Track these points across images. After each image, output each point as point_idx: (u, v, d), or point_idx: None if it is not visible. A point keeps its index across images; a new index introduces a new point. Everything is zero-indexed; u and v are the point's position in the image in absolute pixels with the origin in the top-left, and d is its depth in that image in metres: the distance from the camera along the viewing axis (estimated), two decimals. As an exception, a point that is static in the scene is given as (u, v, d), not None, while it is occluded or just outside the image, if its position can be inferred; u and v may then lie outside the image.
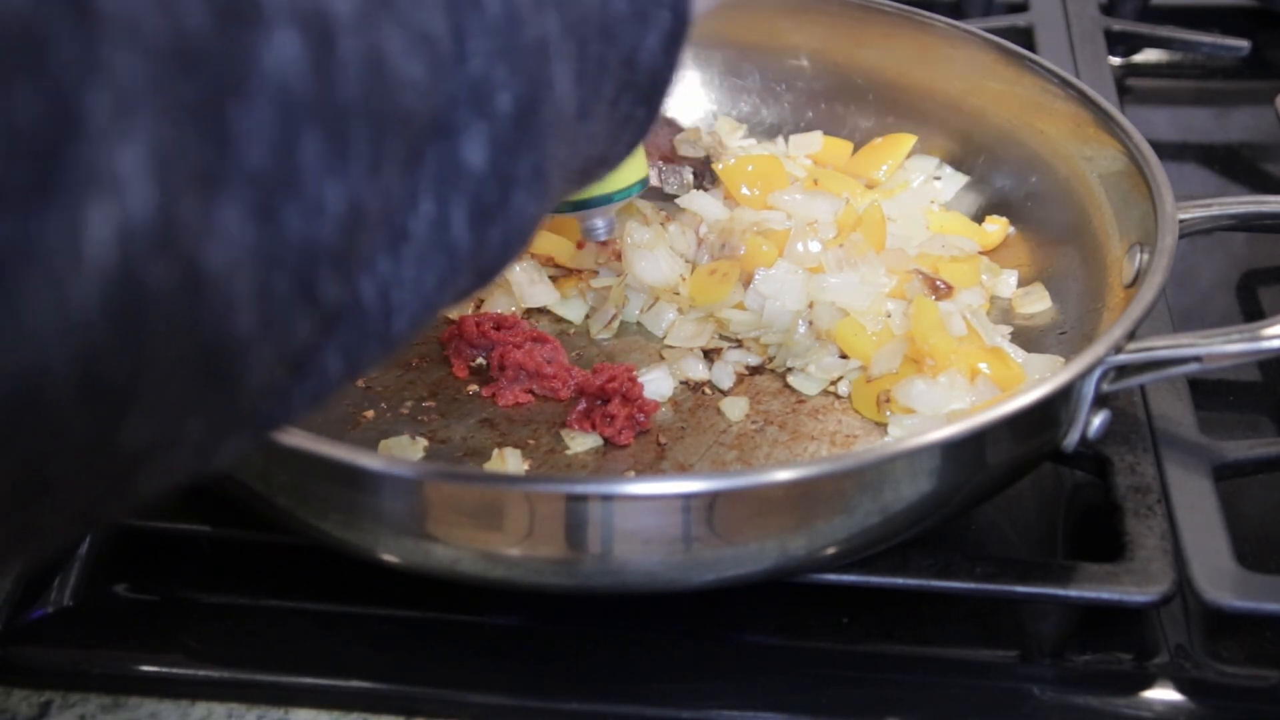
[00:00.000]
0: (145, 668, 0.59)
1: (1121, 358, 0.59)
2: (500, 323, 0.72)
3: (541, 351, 0.70)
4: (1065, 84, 0.76)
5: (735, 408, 0.69)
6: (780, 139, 0.87)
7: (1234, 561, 0.58)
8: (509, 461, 0.65)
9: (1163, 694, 0.57)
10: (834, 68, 0.87)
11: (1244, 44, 1.01)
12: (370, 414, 0.68)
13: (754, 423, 0.68)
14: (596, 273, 0.76)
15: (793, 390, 0.70)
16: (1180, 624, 0.60)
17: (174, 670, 0.59)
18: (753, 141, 0.87)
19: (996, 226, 0.79)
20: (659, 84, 0.45)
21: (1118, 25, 1.03)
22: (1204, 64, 1.06)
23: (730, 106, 0.89)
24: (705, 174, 0.79)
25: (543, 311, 0.76)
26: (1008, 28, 1.00)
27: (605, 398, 0.67)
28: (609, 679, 0.58)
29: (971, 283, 0.74)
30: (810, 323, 0.72)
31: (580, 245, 0.76)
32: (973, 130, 0.82)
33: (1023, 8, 1.05)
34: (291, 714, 0.57)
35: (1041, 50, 0.97)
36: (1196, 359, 0.60)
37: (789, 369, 0.71)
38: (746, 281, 0.74)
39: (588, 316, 0.76)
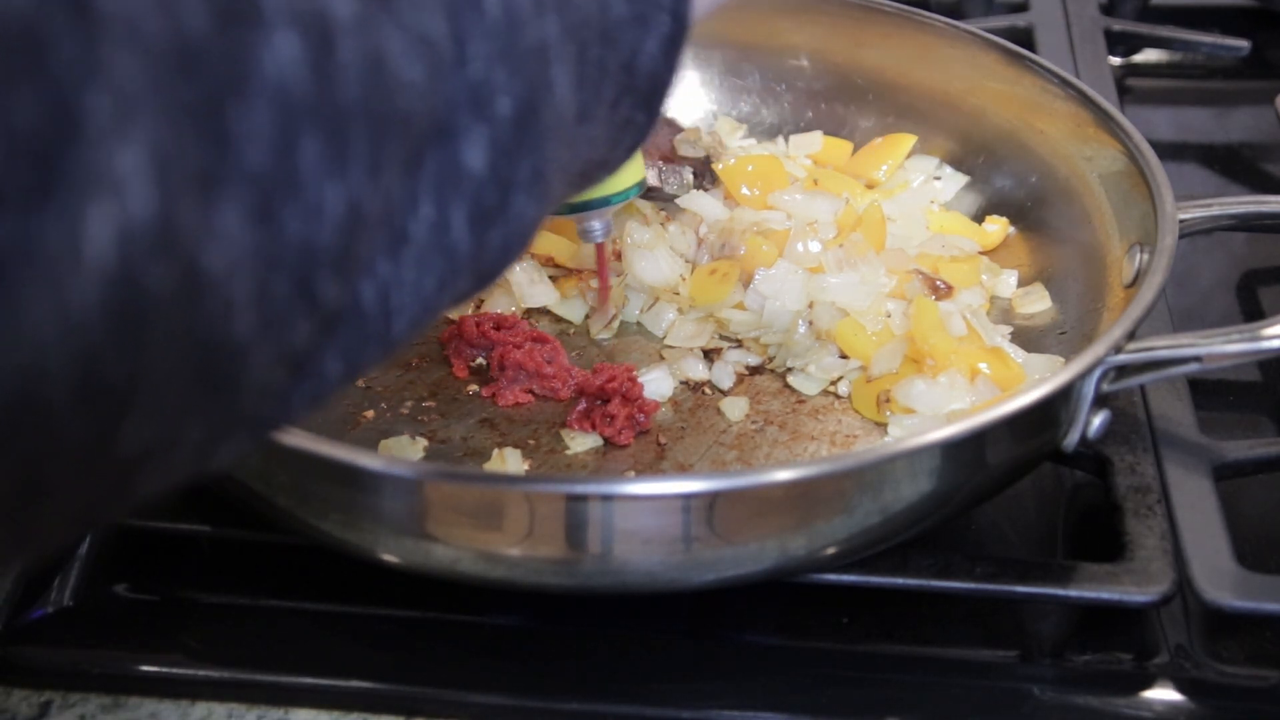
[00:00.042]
0: (145, 668, 0.59)
1: (1121, 358, 0.59)
2: (500, 323, 0.72)
3: (541, 351, 0.70)
4: (1065, 84, 0.76)
5: (735, 408, 0.69)
6: (780, 139, 0.87)
7: (1234, 561, 0.58)
8: (509, 461, 0.65)
9: (1163, 694, 0.57)
10: (834, 68, 0.87)
11: (1244, 44, 1.01)
12: (370, 414, 0.68)
13: (754, 423, 0.68)
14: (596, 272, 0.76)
15: (793, 390, 0.70)
16: (1180, 624, 0.60)
17: (174, 670, 0.59)
18: (753, 141, 0.87)
19: (996, 226, 0.79)
20: (659, 87, 0.45)
21: (1118, 25, 1.03)
22: (1204, 64, 1.06)
23: (730, 106, 0.89)
24: (705, 174, 0.79)
25: (543, 311, 0.76)
26: (1008, 28, 1.00)
27: (605, 398, 0.67)
28: (609, 679, 0.58)
29: (971, 283, 0.74)
30: (810, 323, 0.72)
31: None
32: (973, 130, 0.82)
33: (1023, 8, 1.05)
34: (291, 714, 0.57)
35: (1041, 50, 0.97)
36: (1196, 359, 0.60)
37: (789, 369, 0.71)
38: (746, 281, 0.74)
39: (588, 316, 0.76)
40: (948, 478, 0.57)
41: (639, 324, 0.75)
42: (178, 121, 0.27)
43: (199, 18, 0.28)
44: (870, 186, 0.82)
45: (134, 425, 0.29)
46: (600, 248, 0.66)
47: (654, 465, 0.66)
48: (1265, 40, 1.05)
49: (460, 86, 0.36)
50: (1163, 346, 0.60)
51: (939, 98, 0.84)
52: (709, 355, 0.73)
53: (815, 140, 0.85)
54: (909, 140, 0.84)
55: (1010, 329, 0.73)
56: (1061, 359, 0.68)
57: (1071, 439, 0.61)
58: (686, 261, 0.76)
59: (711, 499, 0.53)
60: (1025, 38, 0.99)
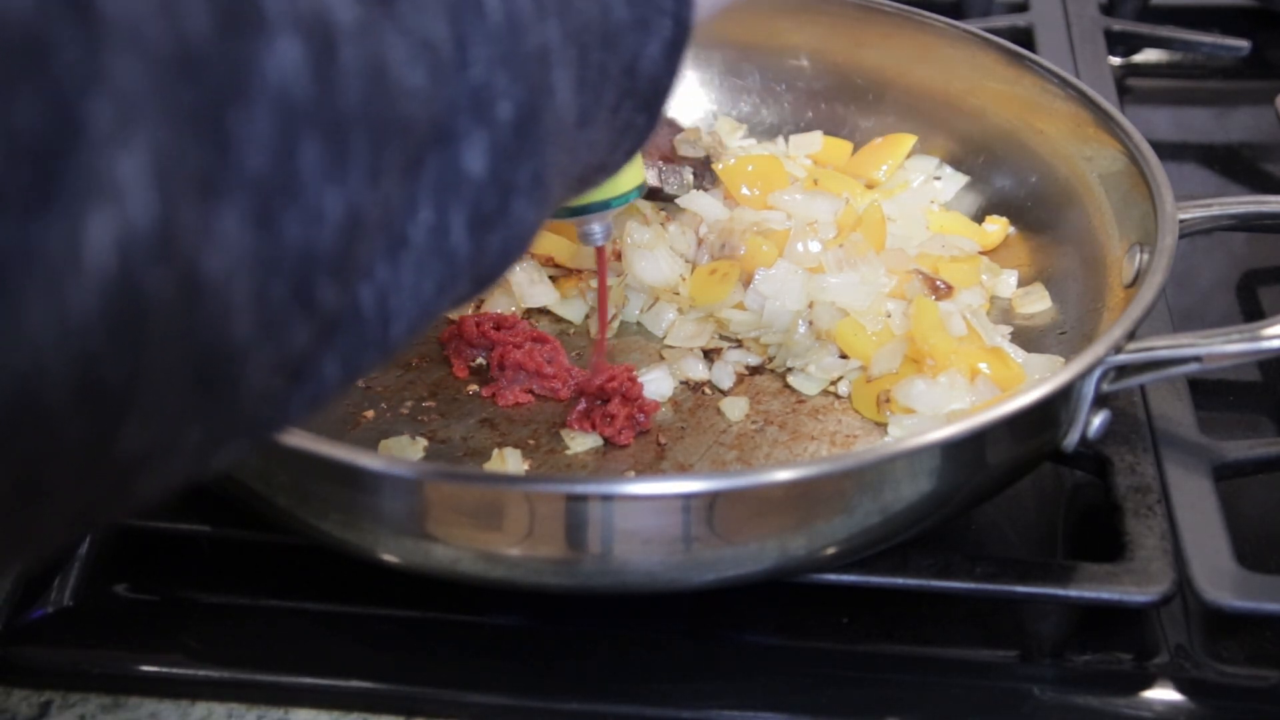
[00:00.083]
0: (145, 668, 0.59)
1: (1121, 358, 0.59)
2: (500, 323, 0.72)
3: (541, 351, 0.70)
4: (1065, 84, 0.76)
5: (735, 408, 0.69)
6: (780, 139, 0.87)
7: (1234, 561, 0.58)
8: (509, 461, 0.65)
9: (1163, 694, 0.57)
10: (834, 68, 0.87)
11: (1244, 44, 1.01)
12: (370, 414, 0.68)
13: (754, 423, 0.68)
14: (596, 272, 0.76)
15: (793, 390, 0.70)
16: (1180, 624, 0.60)
17: (174, 670, 0.59)
18: (753, 141, 0.87)
19: (996, 226, 0.79)
20: (660, 91, 0.45)
21: (1118, 25, 1.03)
22: (1204, 64, 1.06)
23: (730, 106, 0.89)
24: (705, 174, 0.79)
25: (543, 311, 0.76)
26: (1008, 28, 1.00)
27: (605, 398, 0.67)
28: (609, 679, 0.58)
29: (971, 283, 0.74)
30: (810, 323, 0.72)
31: None
32: (973, 130, 0.82)
33: (1023, 8, 1.05)
34: (291, 714, 0.57)
35: (1041, 50, 0.97)
36: (1196, 359, 0.60)
37: (789, 369, 0.71)
38: (746, 281, 0.74)
39: (588, 316, 0.76)
40: (948, 478, 0.57)
41: (639, 324, 0.75)
42: (179, 126, 0.27)
43: (201, 23, 0.28)
44: (870, 186, 0.82)
45: (133, 427, 0.29)
46: (600, 251, 0.66)
47: (654, 465, 0.66)
48: (1265, 40, 1.05)
49: (461, 91, 0.36)
50: (1163, 346, 0.60)
51: (939, 98, 0.84)
52: (709, 355, 0.73)
53: (815, 140, 0.85)
54: (909, 140, 0.84)
55: (1010, 329, 0.73)
56: (1061, 359, 0.68)
57: (1071, 439, 0.61)
58: (686, 261, 0.76)
59: (711, 499, 0.53)
60: (1025, 38, 0.99)
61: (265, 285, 0.30)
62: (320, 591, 0.62)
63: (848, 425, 0.68)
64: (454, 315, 0.73)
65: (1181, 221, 0.66)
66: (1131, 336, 0.60)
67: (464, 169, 0.37)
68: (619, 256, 0.75)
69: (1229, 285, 0.84)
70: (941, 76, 0.83)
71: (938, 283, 0.72)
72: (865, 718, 0.57)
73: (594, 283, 0.76)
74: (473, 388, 0.70)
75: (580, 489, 0.54)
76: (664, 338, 0.74)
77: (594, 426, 0.67)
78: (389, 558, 0.57)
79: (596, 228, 0.63)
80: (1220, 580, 0.57)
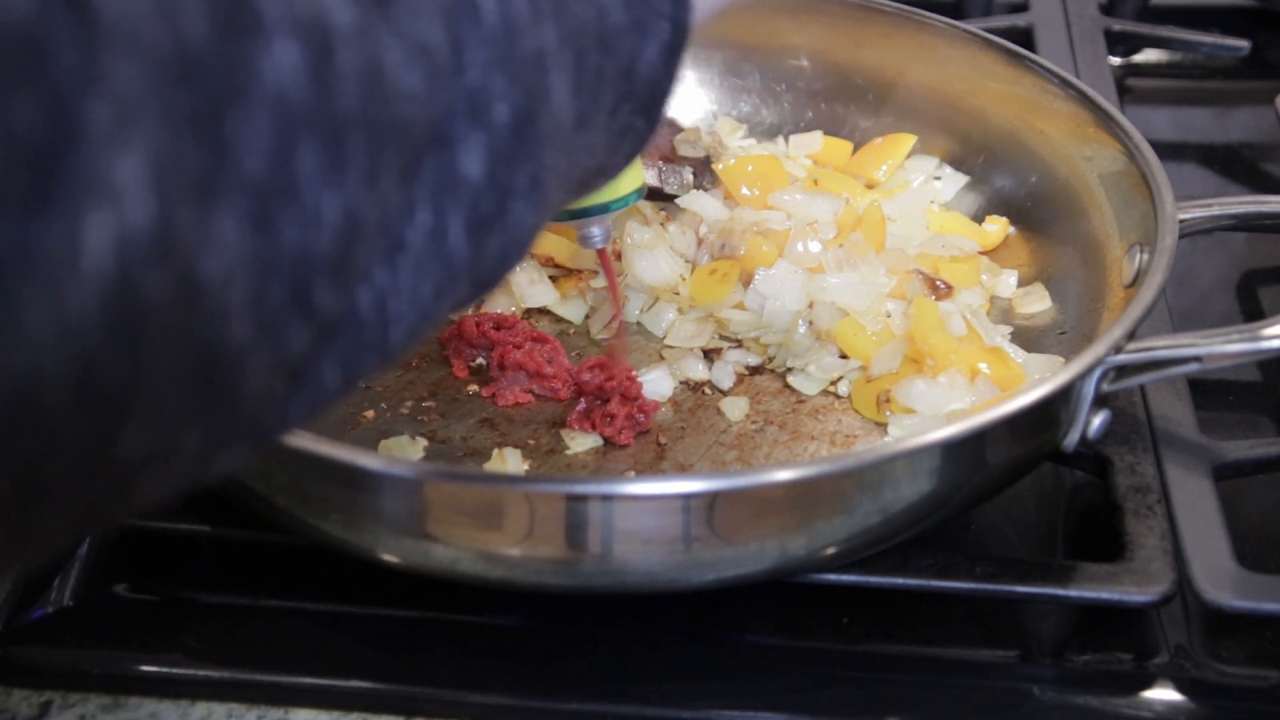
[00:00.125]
0: (145, 668, 0.59)
1: (1121, 358, 0.59)
2: (500, 323, 0.72)
3: (541, 351, 0.70)
4: (1065, 84, 0.76)
5: (735, 408, 0.69)
6: (780, 139, 0.87)
7: (1234, 561, 0.58)
8: (509, 461, 0.65)
9: (1163, 694, 0.57)
10: (834, 68, 0.87)
11: (1244, 44, 1.01)
12: (370, 414, 0.68)
13: (754, 423, 0.68)
14: (596, 273, 0.76)
15: (793, 390, 0.70)
16: (1180, 624, 0.60)
17: (174, 670, 0.59)
18: (753, 141, 0.87)
19: (996, 226, 0.79)
20: (658, 95, 0.45)
21: (1118, 25, 1.03)
22: (1204, 64, 1.06)
23: (730, 106, 0.89)
24: (705, 174, 0.79)
25: (543, 311, 0.76)
26: (1008, 28, 1.00)
27: (605, 397, 0.67)
28: (609, 679, 0.58)
29: (971, 283, 0.74)
30: (810, 323, 0.72)
31: None
32: (973, 130, 0.82)
33: (1023, 8, 1.05)
34: (291, 714, 0.57)
35: (1041, 50, 0.97)
36: (1196, 359, 0.60)
37: (789, 369, 0.71)
38: (746, 281, 0.74)
39: (588, 316, 0.76)
40: (948, 478, 0.57)
41: (639, 324, 0.75)
42: (177, 129, 0.27)
43: (199, 26, 0.28)
44: (870, 186, 0.82)
45: (133, 429, 0.29)
46: (602, 253, 0.66)
47: (654, 465, 0.66)
48: (1265, 40, 1.05)
49: (458, 94, 0.36)
50: (1163, 346, 0.60)
51: (939, 98, 0.84)
52: (709, 355, 0.73)
53: (815, 140, 0.85)
54: (909, 140, 0.84)
55: (1010, 329, 0.73)
56: (1061, 359, 0.68)
57: (1071, 439, 0.61)
58: (686, 261, 0.76)
59: (711, 499, 0.53)
60: (1025, 38, 0.99)
61: (263, 288, 0.30)
62: (320, 591, 0.62)
63: (848, 425, 0.68)
64: (454, 315, 0.73)
65: (1181, 221, 0.66)
66: (1131, 336, 0.60)
67: (461, 172, 0.37)
68: (619, 256, 0.75)
69: (1229, 285, 0.84)
70: (941, 76, 0.83)
71: (938, 283, 0.72)
72: (865, 718, 0.57)
73: (594, 283, 0.76)
74: (473, 388, 0.71)
75: (580, 489, 0.54)
76: (664, 338, 0.74)
77: (594, 426, 0.67)
78: (389, 558, 0.57)
79: (596, 230, 0.63)
80: (1220, 580, 0.57)
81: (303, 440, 0.53)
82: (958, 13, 1.05)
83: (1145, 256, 0.66)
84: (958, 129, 0.83)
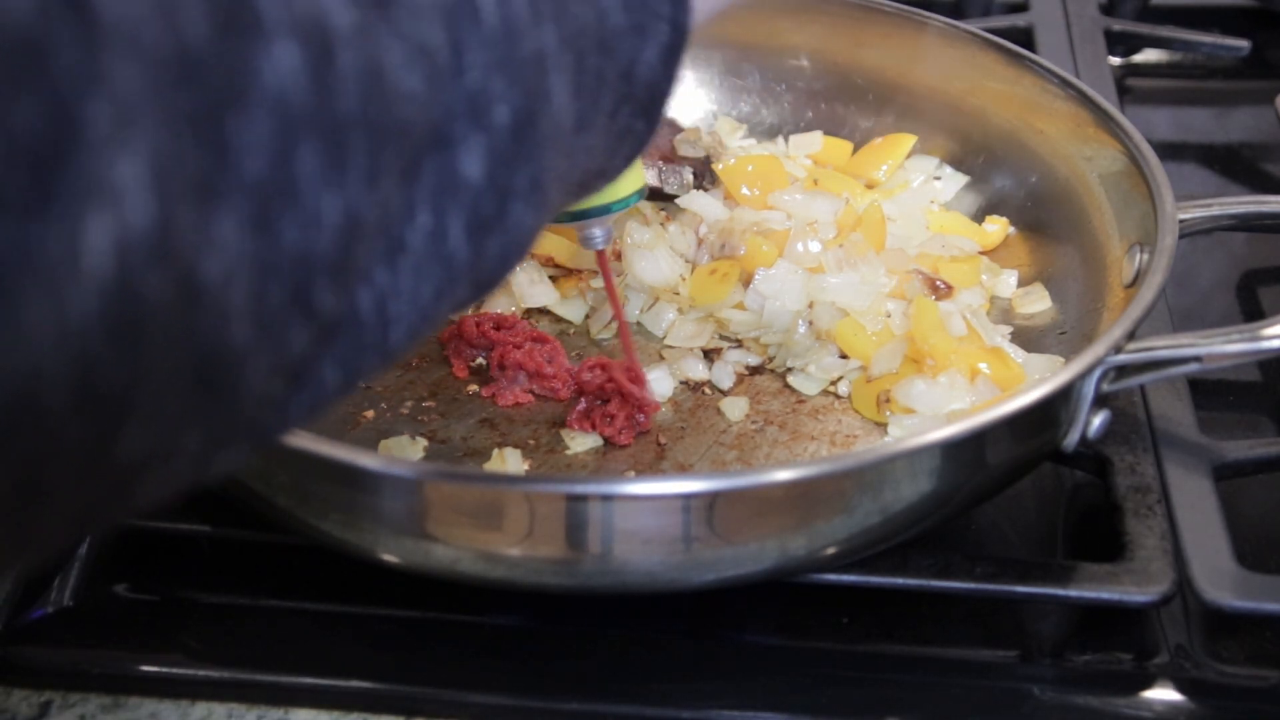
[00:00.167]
0: (145, 668, 0.59)
1: (1121, 358, 0.59)
2: (500, 323, 0.72)
3: (541, 351, 0.70)
4: (1065, 84, 0.76)
5: (735, 408, 0.69)
6: (780, 139, 0.87)
7: (1234, 561, 0.58)
8: (509, 461, 0.65)
9: (1163, 694, 0.57)
10: (834, 68, 0.87)
11: (1244, 44, 1.01)
12: (370, 414, 0.68)
13: (754, 423, 0.68)
14: (597, 273, 0.76)
15: (793, 390, 0.70)
16: (1180, 624, 0.60)
17: (174, 670, 0.59)
18: (753, 141, 0.87)
19: (996, 226, 0.79)
20: (657, 96, 0.45)
21: (1118, 25, 1.03)
22: (1204, 64, 1.06)
23: (730, 106, 0.89)
24: (705, 174, 0.79)
25: (543, 311, 0.76)
26: (1008, 28, 1.00)
27: (605, 397, 0.67)
28: (609, 679, 0.58)
29: (971, 283, 0.74)
30: (810, 323, 0.72)
31: None
32: (973, 130, 0.82)
33: (1023, 8, 1.05)
34: (291, 714, 0.57)
35: (1041, 50, 0.97)
36: (1196, 359, 0.60)
37: (789, 369, 0.71)
38: (746, 281, 0.74)
39: (588, 316, 0.76)
40: (948, 478, 0.57)
41: (639, 324, 0.75)
42: (177, 130, 0.27)
43: (199, 27, 0.28)
44: (870, 186, 0.82)
45: (133, 429, 0.29)
46: (602, 255, 0.66)
47: (654, 465, 0.66)
48: (1265, 40, 1.05)
49: (458, 96, 0.36)
50: (1163, 346, 0.60)
51: (939, 98, 0.84)
52: (709, 355, 0.73)
53: (815, 140, 0.85)
54: (909, 140, 0.84)
55: (1010, 329, 0.73)
56: (1061, 359, 0.68)
57: (1071, 439, 0.61)
58: (686, 261, 0.76)
59: (711, 499, 0.53)
60: (1025, 38, 0.99)
61: (263, 289, 0.30)
62: (320, 591, 0.62)
63: (848, 425, 0.68)
64: (454, 315, 0.73)
65: (1181, 221, 0.66)
66: (1131, 336, 0.60)
67: (461, 174, 0.37)
68: (619, 256, 0.75)
69: (1229, 285, 0.84)
70: (941, 76, 0.83)
71: (938, 283, 0.72)
72: (865, 718, 0.57)
73: (594, 283, 0.76)
74: (473, 388, 0.71)
75: (580, 489, 0.54)
76: (664, 338, 0.74)
77: (594, 426, 0.67)
78: (389, 558, 0.57)
79: (598, 232, 0.63)
80: (1220, 580, 0.57)
81: (303, 440, 0.53)
82: (958, 13, 1.05)
83: (1145, 256, 0.66)
84: (958, 129, 0.83)
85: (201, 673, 0.59)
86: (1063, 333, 0.72)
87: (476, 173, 0.37)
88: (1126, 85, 1.04)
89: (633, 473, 0.65)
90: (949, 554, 0.59)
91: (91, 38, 0.26)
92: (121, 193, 0.26)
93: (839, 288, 0.72)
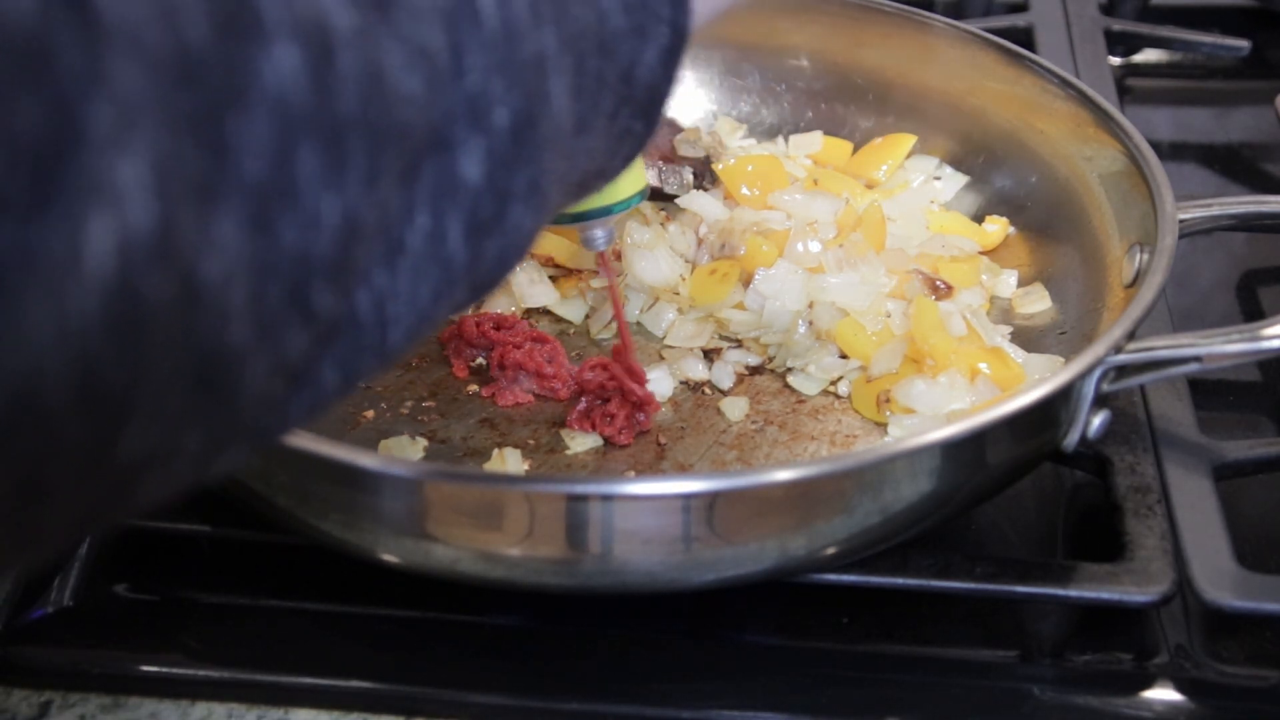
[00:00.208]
0: (145, 668, 0.59)
1: (1121, 358, 0.59)
2: (500, 323, 0.72)
3: (541, 351, 0.70)
4: (1065, 84, 0.76)
5: (735, 408, 0.69)
6: (780, 139, 0.87)
7: (1234, 561, 0.58)
8: (509, 461, 0.65)
9: (1163, 694, 0.57)
10: (834, 68, 0.87)
11: (1244, 44, 1.01)
12: (370, 414, 0.68)
13: (754, 423, 0.68)
14: (597, 273, 0.76)
15: (793, 390, 0.70)
16: (1180, 624, 0.60)
17: (174, 670, 0.59)
18: (753, 141, 0.87)
19: (996, 226, 0.79)
20: (657, 98, 0.45)
21: (1118, 25, 1.03)
22: (1204, 64, 1.06)
23: (730, 106, 0.89)
24: (705, 174, 0.79)
25: (543, 311, 0.76)
26: (1008, 28, 1.00)
27: (605, 397, 0.67)
28: (609, 679, 0.58)
29: (971, 283, 0.74)
30: (810, 323, 0.72)
31: None
32: (973, 130, 0.82)
33: (1023, 8, 1.05)
34: (291, 714, 0.57)
35: (1041, 50, 0.97)
36: (1196, 359, 0.60)
37: (789, 369, 0.71)
38: (746, 281, 0.74)
39: (588, 316, 0.76)
40: (948, 478, 0.57)
41: (639, 324, 0.75)
42: (178, 131, 0.27)
43: (200, 28, 0.28)
44: (870, 186, 0.82)
45: (133, 431, 0.29)
46: (603, 256, 0.66)
47: (654, 465, 0.66)
48: (1265, 40, 1.05)
49: (458, 98, 0.36)
50: (1163, 346, 0.60)
51: (939, 98, 0.84)
52: (709, 355, 0.73)
53: (815, 140, 0.85)
54: (909, 140, 0.84)
55: (1010, 329, 0.73)
56: (1061, 359, 0.68)
57: (1071, 439, 0.61)
58: (686, 261, 0.76)
59: (711, 499, 0.53)
60: (1025, 38, 0.99)
61: (262, 289, 0.30)
62: (320, 591, 0.62)
63: (848, 425, 0.68)
64: (453, 316, 0.73)
65: (1181, 221, 0.66)
66: (1131, 336, 0.60)
67: (461, 176, 0.37)
68: (619, 256, 0.75)
69: (1229, 285, 0.84)
70: (941, 76, 0.83)
71: (938, 283, 0.72)
72: (865, 718, 0.57)
73: (594, 283, 0.76)
74: (473, 388, 0.71)
75: (580, 489, 0.54)
76: (664, 338, 0.74)
77: (594, 426, 0.67)
78: (389, 558, 0.57)
79: (599, 233, 0.63)
80: (1220, 580, 0.57)
81: (303, 440, 0.53)
82: (958, 13, 1.05)
83: (1145, 256, 0.66)
84: (958, 129, 0.83)
85: (201, 673, 0.59)
86: (1063, 333, 0.72)
87: (476, 175, 0.37)
88: (1126, 85, 1.04)
89: (633, 473, 0.65)
90: (949, 554, 0.59)
91: (93, 38, 0.26)
92: (123, 193, 0.26)
93: (839, 288, 0.72)
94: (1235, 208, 0.71)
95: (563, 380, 0.69)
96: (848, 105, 0.87)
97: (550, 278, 0.77)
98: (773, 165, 0.80)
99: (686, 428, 0.68)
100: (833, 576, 0.58)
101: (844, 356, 0.71)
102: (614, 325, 0.74)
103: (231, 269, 0.29)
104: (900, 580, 0.58)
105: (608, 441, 0.67)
